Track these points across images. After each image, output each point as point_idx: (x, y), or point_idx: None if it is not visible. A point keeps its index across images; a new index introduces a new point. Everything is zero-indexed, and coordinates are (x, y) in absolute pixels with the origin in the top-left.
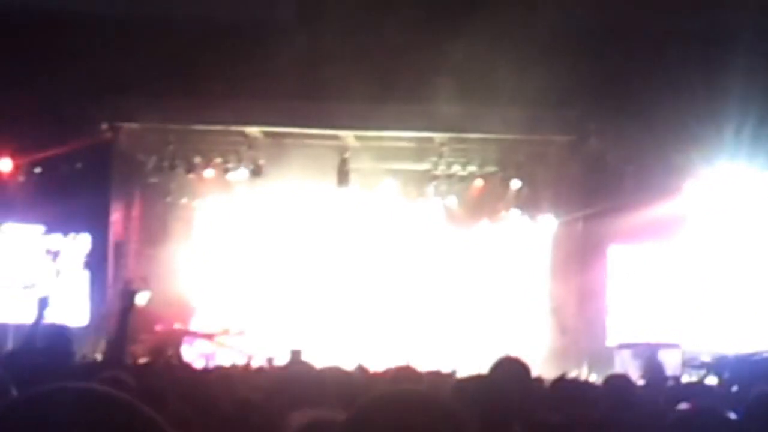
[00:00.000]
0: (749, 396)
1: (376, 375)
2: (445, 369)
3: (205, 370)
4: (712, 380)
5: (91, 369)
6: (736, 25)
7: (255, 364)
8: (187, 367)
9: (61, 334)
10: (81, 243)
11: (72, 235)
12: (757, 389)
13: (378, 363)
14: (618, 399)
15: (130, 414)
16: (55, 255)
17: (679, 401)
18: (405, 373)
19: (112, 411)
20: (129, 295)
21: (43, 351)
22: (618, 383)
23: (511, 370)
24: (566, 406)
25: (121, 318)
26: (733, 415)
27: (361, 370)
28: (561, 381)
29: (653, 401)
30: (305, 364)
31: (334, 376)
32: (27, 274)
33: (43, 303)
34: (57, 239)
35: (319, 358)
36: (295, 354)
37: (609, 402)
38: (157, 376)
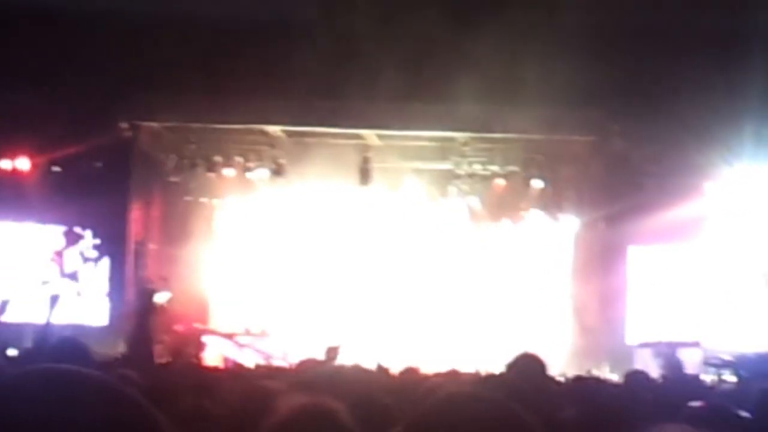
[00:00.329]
0: (754, 392)
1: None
2: (466, 368)
3: (221, 369)
4: (731, 378)
5: (107, 367)
6: (757, 25)
7: (275, 363)
8: (204, 366)
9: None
10: (100, 242)
11: (90, 234)
12: (759, 385)
13: (399, 362)
14: (636, 395)
15: (109, 397)
16: (63, 255)
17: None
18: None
19: (94, 394)
20: (148, 294)
21: (55, 351)
22: (636, 379)
23: (527, 365)
24: (584, 402)
25: (139, 318)
26: (744, 413)
27: (381, 369)
28: (580, 379)
29: (668, 398)
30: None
31: (352, 373)
32: (44, 273)
33: (53, 301)
34: (74, 239)
35: (341, 357)
36: (331, 351)
37: (627, 398)
38: (172, 375)
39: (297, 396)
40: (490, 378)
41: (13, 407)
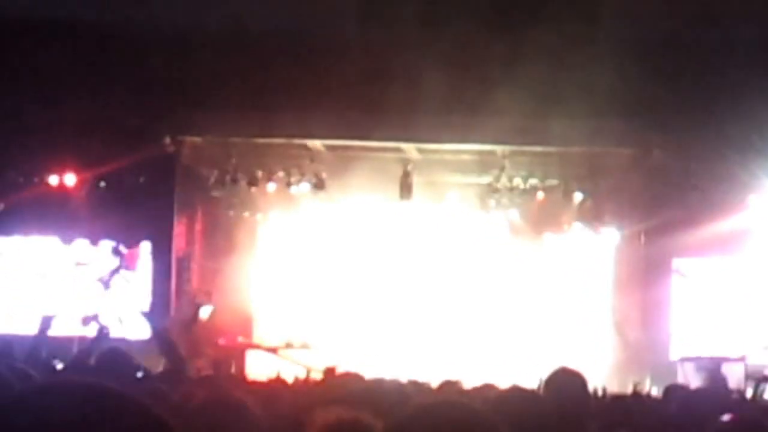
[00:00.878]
0: None
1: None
2: (505, 382)
3: (261, 383)
4: None
5: (144, 381)
6: None
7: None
8: (245, 380)
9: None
10: (145, 256)
11: (135, 248)
12: None
13: (438, 375)
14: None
15: (124, 407)
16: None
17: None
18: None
19: (107, 404)
20: (193, 308)
21: (99, 362)
22: (677, 394)
23: (567, 381)
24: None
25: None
26: None
27: (412, 383)
28: (618, 397)
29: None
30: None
31: (382, 386)
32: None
33: (46, 321)
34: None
35: (379, 371)
36: (328, 371)
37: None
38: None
39: (333, 410)
40: (511, 392)
41: (25, 421)
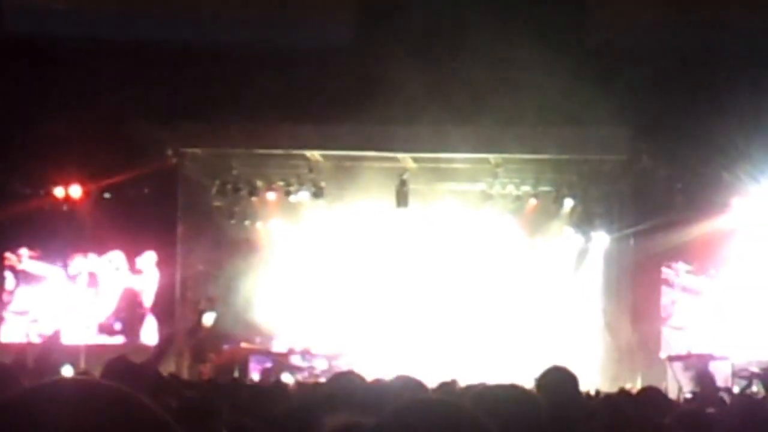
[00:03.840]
0: None
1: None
2: (499, 382)
3: (263, 386)
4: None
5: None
6: None
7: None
8: (247, 384)
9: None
10: (150, 265)
11: (142, 257)
12: None
13: (436, 377)
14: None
15: (129, 406)
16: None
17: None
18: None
19: (109, 403)
20: (197, 315)
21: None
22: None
23: (559, 380)
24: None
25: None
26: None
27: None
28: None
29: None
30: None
31: (377, 387)
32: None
33: (55, 333)
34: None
35: (378, 373)
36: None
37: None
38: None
39: (339, 416)
40: (493, 389)
41: (27, 418)
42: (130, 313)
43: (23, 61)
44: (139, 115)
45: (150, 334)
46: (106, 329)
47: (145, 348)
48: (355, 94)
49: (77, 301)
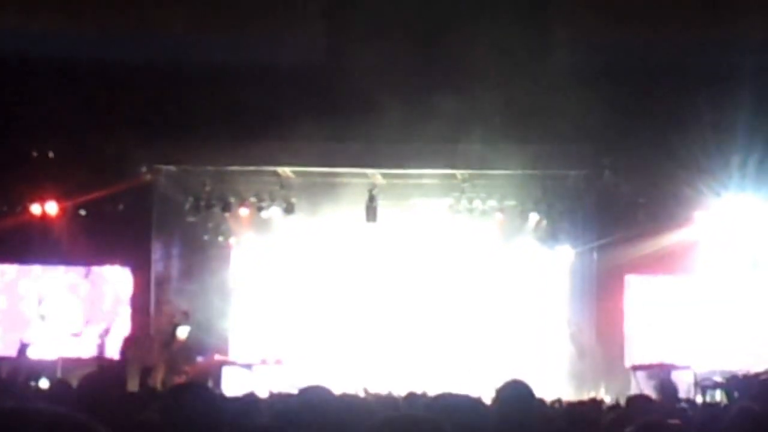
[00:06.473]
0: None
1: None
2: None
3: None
4: (722, 399)
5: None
6: (740, 63)
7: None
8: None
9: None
10: (123, 281)
11: (114, 273)
12: (738, 405)
13: (403, 388)
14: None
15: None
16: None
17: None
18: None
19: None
20: (171, 328)
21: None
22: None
23: (513, 391)
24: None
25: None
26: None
27: (376, 396)
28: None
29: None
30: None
31: (343, 401)
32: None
33: (24, 347)
34: (99, 277)
35: (346, 386)
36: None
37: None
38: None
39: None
40: (444, 398)
41: None
42: (104, 327)
43: None
44: (114, 133)
45: (123, 346)
46: (80, 342)
47: (118, 361)
48: (326, 111)
49: (51, 314)
